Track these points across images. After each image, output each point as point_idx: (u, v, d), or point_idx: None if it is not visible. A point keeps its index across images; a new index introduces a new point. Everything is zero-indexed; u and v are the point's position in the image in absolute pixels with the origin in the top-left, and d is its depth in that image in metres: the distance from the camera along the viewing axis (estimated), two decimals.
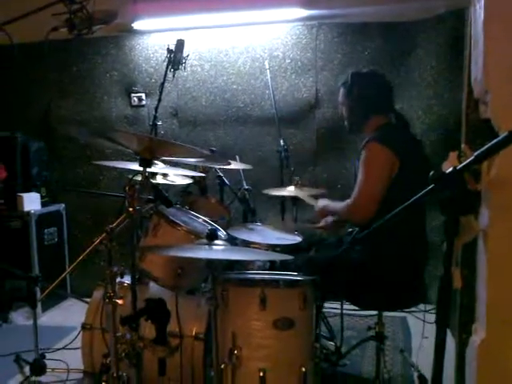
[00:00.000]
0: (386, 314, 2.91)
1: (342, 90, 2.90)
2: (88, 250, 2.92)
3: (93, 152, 4.74)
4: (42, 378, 3.02)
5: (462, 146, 2.18)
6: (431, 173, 1.48)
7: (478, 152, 1.46)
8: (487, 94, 2.00)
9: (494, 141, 1.43)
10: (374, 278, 2.57)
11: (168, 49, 3.85)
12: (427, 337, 2.78)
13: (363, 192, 2.61)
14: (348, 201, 2.68)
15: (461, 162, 1.48)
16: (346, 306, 2.91)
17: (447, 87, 4.05)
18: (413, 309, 3.64)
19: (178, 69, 3.90)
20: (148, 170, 2.16)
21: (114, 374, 2.04)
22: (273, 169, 4.30)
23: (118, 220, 2.21)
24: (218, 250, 2.19)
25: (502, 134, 1.42)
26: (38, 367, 3.00)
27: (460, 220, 1.48)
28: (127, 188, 2.05)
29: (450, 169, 1.46)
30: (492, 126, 1.98)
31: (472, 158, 1.46)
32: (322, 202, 3.00)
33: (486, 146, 1.44)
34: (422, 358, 2.92)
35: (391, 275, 2.56)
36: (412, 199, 1.66)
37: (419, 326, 3.69)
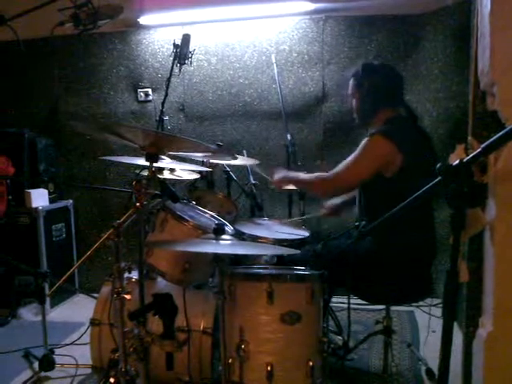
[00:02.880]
0: (393, 308, 2.91)
1: (352, 82, 2.86)
2: (96, 246, 2.92)
3: (100, 148, 4.75)
4: (51, 374, 3.04)
5: (469, 138, 2.17)
6: (438, 165, 1.47)
7: (485, 144, 1.45)
8: (494, 86, 1.99)
9: (501, 133, 1.42)
10: (381, 272, 2.57)
11: (174, 43, 3.86)
12: (434, 331, 2.77)
13: (349, 172, 2.64)
14: (323, 173, 2.72)
15: (468, 155, 1.47)
16: (354, 300, 2.91)
17: (454, 80, 4.03)
18: (420, 303, 3.63)
19: (184, 63, 3.90)
20: (155, 165, 2.16)
21: (123, 369, 2.05)
22: (280, 163, 4.30)
23: (126, 215, 2.21)
24: (225, 245, 2.19)
25: (509, 126, 1.41)
26: (47, 363, 3.03)
27: (467, 213, 1.47)
28: (134, 183, 2.05)
29: (457, 161, 1.45)
30: (499, 117, 1.97)
31: (479, 150, 1.45)
32: (282, 173, 3.04)
33: (492, 138, 1.43)
34: (430, 351, 2.92)
35: (398, 269, 2.55)
36: (418, 192, 1.66)
37: (427, 320, 3.69)
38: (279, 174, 3.01)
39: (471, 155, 1.45)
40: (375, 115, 2.80)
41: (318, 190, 2.79)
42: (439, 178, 1.50)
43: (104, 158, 3.38)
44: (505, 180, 1.93)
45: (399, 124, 2.77)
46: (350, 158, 2.65)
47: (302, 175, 2.86)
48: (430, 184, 1.58)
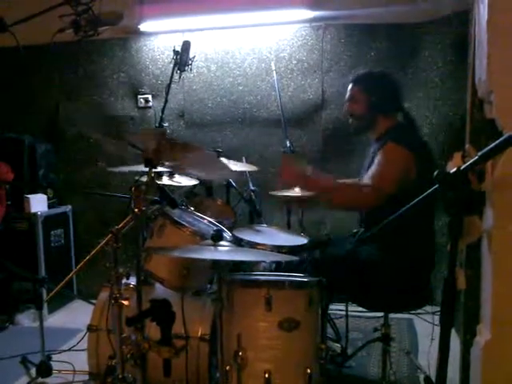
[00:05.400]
0: (392, 315, 2.90)
1: (354, 88, 2.88)
2: (94, 251, 2.93)
3: (99, 153, 4.77)
4: (48, 380, 3.03)
5: (467, 145, 2.18)
6: (435, 173, 1.48)
7: (482, 152, 1.46)
8: (491, 94, 1.99)
9: (498, 140, 1.43)
10: (379, 279, 2.56)
11: (174, 50, 3.86)
12: (434, 338, 2.76)
13: (385, 176, 2.56)
14: (366, 181, 2.62)
15: (465, 162, 1.48)
16: (352, 307, 2.91)
17: (454, 88, 4.05)
18: (419, 310, 3.62)
19: (184, 70, 3.90)
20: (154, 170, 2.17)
21: (120, 376, 2.05)
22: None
23: (124, 221, 2.21)
24: (224, 251, 2.19)
25: (506, 134, 1.42)
26: (44, 369, 3.01)
27: (464, 220, 1.47)
28: (133, 189, 2.05)
29: (454, 169, 1.46)
30: (496, 125, 1.98)
31: (476, 157, 1.46)
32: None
33: (489, 146, 1.44)
34: (429, 359, 2.91)
35: (397, 277, 2.55)
36: (415, 200, 1.66)
37: (426, 327, 3.69)
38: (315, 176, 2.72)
39: (468, 163, 1.46)
40: (378, 122, 2.81)
41: (368, 198, 2.55)
42: (436, 185, 1.51)
43: (111, 169, 3.40)
44: (502, 188, 1.93)
45: (405, 132, 2.78)
46: (377, 166, 2.61)
47: (347, 184, 2.76)
48: (427, 192, 1.59)
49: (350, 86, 2.90)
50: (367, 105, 2.82)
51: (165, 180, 3.04)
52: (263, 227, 3.16)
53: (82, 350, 2.93)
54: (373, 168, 2.63)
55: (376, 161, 2.64)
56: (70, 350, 3.39)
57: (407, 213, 1.79)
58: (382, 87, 2.80)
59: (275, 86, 4.05)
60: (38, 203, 4.28)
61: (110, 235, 2.06)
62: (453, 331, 1.55)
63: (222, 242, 2.21)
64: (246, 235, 2.79)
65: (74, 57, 4.78)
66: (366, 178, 2.63)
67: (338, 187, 2.75)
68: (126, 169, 3.19)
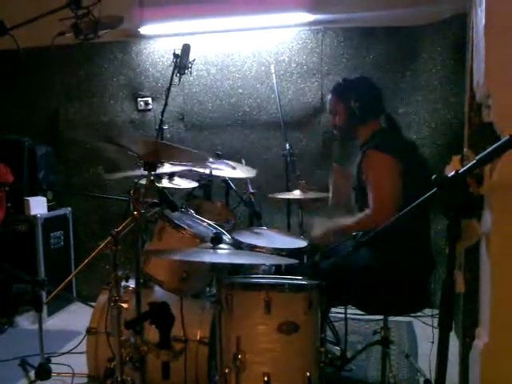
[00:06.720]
0: (391, 318, 2.89)
1: (333, 98, 2.89)
2: (93, 254, 2.92)
3: (99, 156, 4.78)
4: (47, 383, 3.02)
5: (465, 149, 2.18)
6: (433, 176, 1.48)
7: (480, 155, 1.46)
8: (489, 98, 2.00)
9: (496, 144, 1.43)
10: (379, 282, 2.56)
11: (174, 53, 3.87)
12: (433, 342, 2.76)
13: (382, 198, 2.57)
14: (366, 211, 2.63)
15: (463, 166, 1.48)
16: (351, 310, 2.90)
17: (452, 91, 4.05)
18: (419, 313, 3.62)
19: (184, 73, 3.91)
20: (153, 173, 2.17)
21: (119, 378, 2.05)
22: (278, 173, 4.30)
23: (124, 224, 2.21)
24: (223, 254, 2.19)
25: (504, 138, 1.42)
26: (43, 371, 3.00)
27: (462, 224, 1.47)
28: (132, 192, 2.06)
29: (453, 172, 1.46)
30: (494, 129, 1.98)
31: (474, 161, 1.46)
32: (321, 226, 2.83)
33: (487, 150, 1.44)
34: (429, 362, 2.91)
35: (396, 280, 2.55)
36: (415, 203, 1.66)
37: (425, 330, 3.68)
38: (319, 228, 2.82)
39: (466, 167, 1.46)
40: (361, 129, 2.82)
41: (366, 228, 2.50)
42: (435, 189, 1.51)
43: (110, 177, 3.40)
44: (500, 191, 1.94)
45: (387, 136, 2.78)
46: (371, 185, 2.62)
47: (343, 222, 2.72)
48: (426, 195, 1.59)
49: (329, 98, 2.91)
50: (346, 114, 2.83)
51: (164, 183, 3.04)
52: (263, 230, 3.16)
53: (81, 353, 2.92)
54: (369, 194, 2.63)
55: (367, 180, 2.65)
56: (69, 352, 3.38)
57: (405, 215, 1.79)
58: (358, 94, 2.79)
59: (275, 89, 4.06)
60: (38, 205, 4.29)
61: (109, 238, 2.06)
62: (452, 334, 1.56)
63: (221, 245, 2.21)
64: (246, 238, 2.78)
65: (74, 60, 4.80)
66: (370, 203, 2.62)
67: (344, 227, 2.73)
68: (124, 174, 3.18)
